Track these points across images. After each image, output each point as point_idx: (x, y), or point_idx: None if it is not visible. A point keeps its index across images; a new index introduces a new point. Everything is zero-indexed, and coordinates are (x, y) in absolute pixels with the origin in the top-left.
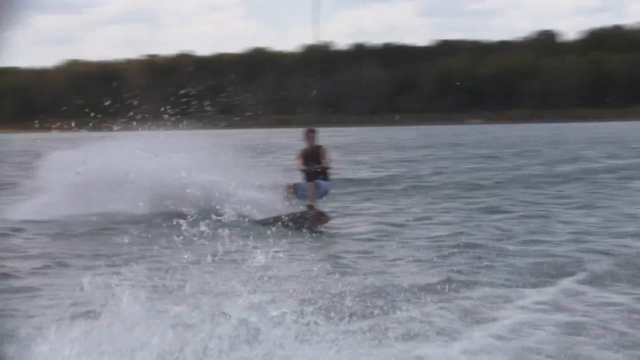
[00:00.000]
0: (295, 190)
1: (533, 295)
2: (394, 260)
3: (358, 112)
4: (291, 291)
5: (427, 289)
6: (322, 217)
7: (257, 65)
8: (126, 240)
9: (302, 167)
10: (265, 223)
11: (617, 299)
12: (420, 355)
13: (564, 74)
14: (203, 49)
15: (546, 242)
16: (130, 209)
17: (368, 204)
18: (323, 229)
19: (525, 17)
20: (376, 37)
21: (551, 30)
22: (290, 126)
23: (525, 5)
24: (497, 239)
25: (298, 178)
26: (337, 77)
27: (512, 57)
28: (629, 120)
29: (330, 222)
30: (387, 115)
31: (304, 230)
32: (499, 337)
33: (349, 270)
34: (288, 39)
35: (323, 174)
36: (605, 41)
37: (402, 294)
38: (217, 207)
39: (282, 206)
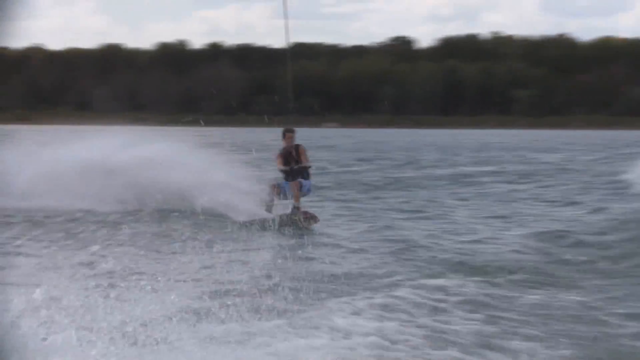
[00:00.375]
0: (279, 191)
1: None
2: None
3: (214, 112)
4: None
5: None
6: (311, 217)
7: (110, 62)
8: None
9: (282, 167)
10: (250, 225)
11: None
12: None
13: (419, 81)
14: (54, 43)
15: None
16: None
17: None
18: (312, 229)
19: (381, 23)
20: (232, 37)
21: (406, 37)
22: (144, 124)
23: (380, 11)
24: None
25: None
26: (193, 76)
27: (368, 62)
28: (481, 128)
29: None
30: (243, 116)
31: (290, 230)
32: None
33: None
34: (142, 36)
35: (303, 173)
36: (459, 50)
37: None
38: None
39: (262, 207)
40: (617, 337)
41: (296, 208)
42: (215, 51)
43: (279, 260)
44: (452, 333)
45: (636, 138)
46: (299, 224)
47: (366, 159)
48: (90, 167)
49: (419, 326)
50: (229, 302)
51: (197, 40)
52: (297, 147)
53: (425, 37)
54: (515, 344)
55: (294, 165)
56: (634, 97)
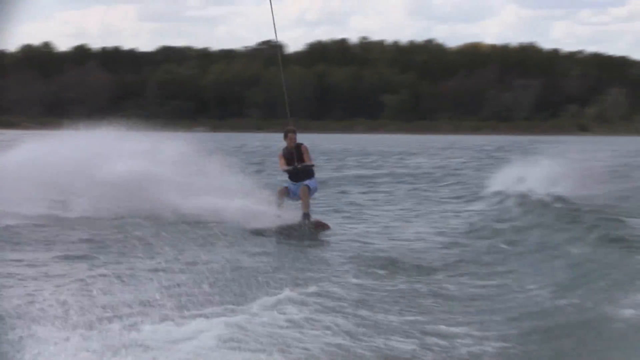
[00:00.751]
0: (287, 192)
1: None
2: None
3: (82, 116)
4: None
5: None
6: (321, 225)
7: None
8: None
9: (285, 167)
10: (260, 233)
11: None
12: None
13: (289, 85)
14: None
15: None
16: None
17: None
18: (323, 237)
19: (249, 26)
20: (97, 39)
21: (276, 41)
22: (12, 128)
23: (248, 14)
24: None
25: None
26: (59, 79)
27: (237, 66)
28: (351, 133)
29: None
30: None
31: (300, 238)
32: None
33: None
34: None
35: (307, 172)
36: (328, 54)
37: None
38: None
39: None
40: (531, 311)
41: (306, 215)
42: (81, 54)
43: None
44: (380, 324)
45: (503, 142)
46: (307, 229)
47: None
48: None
49: (345, 317)
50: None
51: (63, 43)
52: (299, 146)
53: (294, 41)
54: (445, 329)
55: (297, 164)
56: (500, 103)
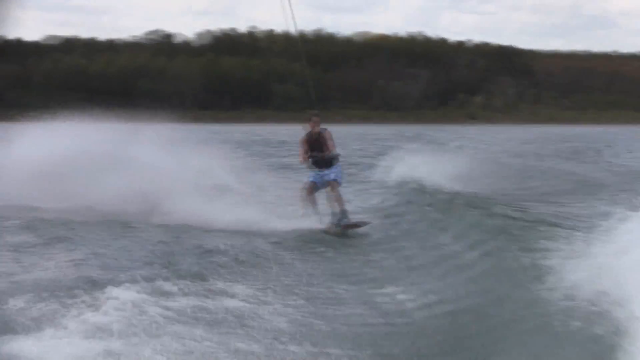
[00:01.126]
0: (313, 188)
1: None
2: None
3: None
4: None
5: None
6: (355, 225)
7: None
8: None
9: (301, 160)
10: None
11: None
12: None
13: (178, 75)
14: None
15: None
16: None
17: None
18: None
19: (136, 16)
20: None
21: (165, 31)
22: None
23: (135, 4)
24: None
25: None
26: None
27: (127, 56)
28: (241, 123)
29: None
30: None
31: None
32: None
33: None
34: None
35: (328, 161)
36: (218, 44)
37: None
38: None
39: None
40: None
41: (343, 212)
42: None
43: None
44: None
45: (394, 132)
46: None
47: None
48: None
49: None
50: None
51: None
52: (324, 131)
53: (183, 30)
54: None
55: (316, 154)
56: (390, 92)
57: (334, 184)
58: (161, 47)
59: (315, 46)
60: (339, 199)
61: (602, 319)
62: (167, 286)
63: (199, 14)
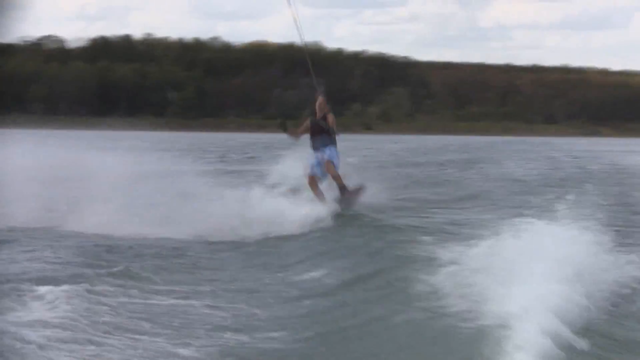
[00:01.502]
0: (316, 178)
1: None
2: None
3: None
4: None
5: None
6: (355, 192)
7: None
8: None
9: (298, 133)
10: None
11: None
12: None
13: (70, 81)
14: None
15: None
16: None
17: None
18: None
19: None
20: None
21: (57, 36)
22: None
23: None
24: None
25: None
26: None
27: (18, 61)
28: (137, 130)
29: None
30: None
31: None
32: None
33: None
34: None
35: (328, 137)
36: (112, 50)
37: None
38: None
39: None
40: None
41: (342, 187)
42: None
43: None
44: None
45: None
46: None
47: None
48: None
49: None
50: None
51: None
52: (327, 115)
53: (75, 36)
54: None
55: (316, 119)
56: (286, 101)
57: (328, 163)
58: (53, 52)
59: (211, 54)
60: (337, 177)
61: (469, 321)
62: (101, 286)
63: (92, 19)
